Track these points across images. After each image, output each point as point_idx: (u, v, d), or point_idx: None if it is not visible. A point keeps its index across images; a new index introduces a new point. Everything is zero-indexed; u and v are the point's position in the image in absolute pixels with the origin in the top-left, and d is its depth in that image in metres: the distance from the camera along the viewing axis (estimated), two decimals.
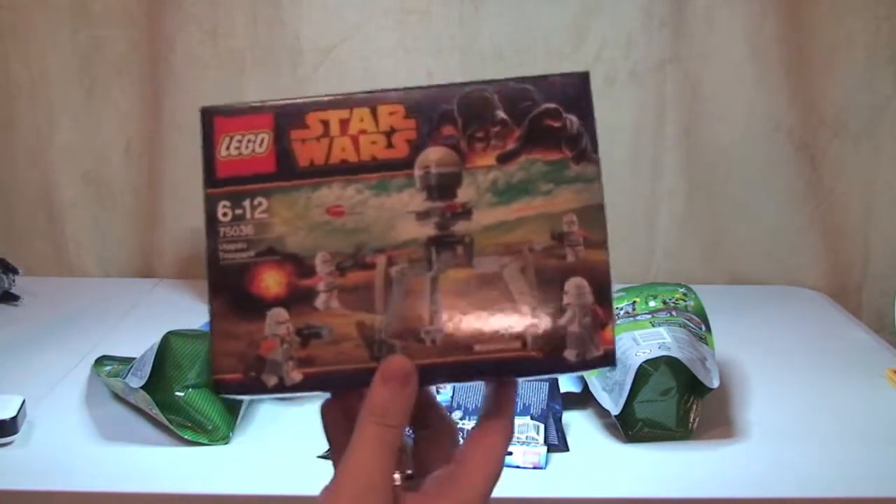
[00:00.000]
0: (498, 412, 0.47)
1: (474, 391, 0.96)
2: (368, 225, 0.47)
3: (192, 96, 1.43)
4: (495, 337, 0.46)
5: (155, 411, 0.94)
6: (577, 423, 0.98)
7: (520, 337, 0.46)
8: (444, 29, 1.42)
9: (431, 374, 0.46)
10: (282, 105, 0.48)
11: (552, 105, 0.48)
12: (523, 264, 0.47)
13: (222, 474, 0.90)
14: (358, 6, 1.42)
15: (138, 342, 1.03)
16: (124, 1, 1.42)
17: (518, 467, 0.89)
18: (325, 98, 0.48)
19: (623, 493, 0.87)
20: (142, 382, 0.93)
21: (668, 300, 1.08)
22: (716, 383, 0.95)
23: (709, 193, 1.47)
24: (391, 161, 0.47)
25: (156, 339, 0.99)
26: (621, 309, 1.09)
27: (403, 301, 0.47)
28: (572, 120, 0.48)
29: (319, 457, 0.89)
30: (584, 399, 1.01)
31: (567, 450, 0.93)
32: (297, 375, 0.47)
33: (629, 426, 0.95)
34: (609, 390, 0.97)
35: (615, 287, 1.19)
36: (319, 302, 0.47)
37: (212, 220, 0.48)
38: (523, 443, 0.91)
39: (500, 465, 0.46)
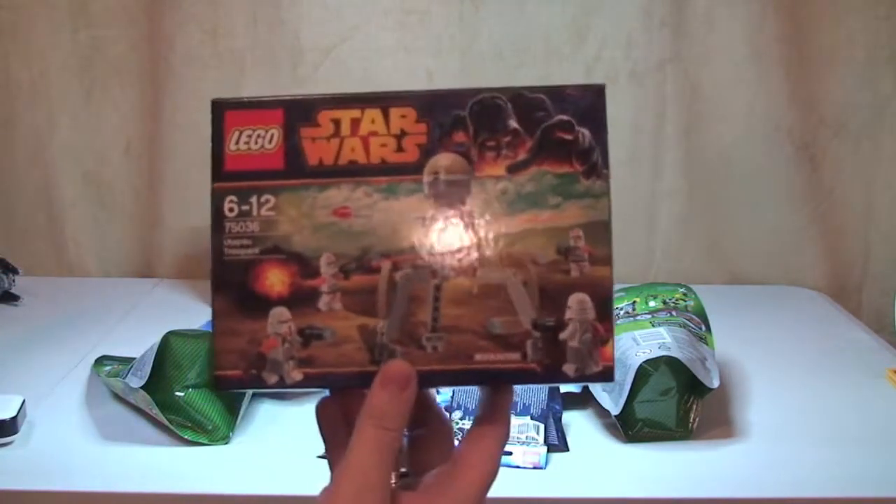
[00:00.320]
0: (495, 415, 0.47)
1: (474, 392, 0.96)
2: (375, 228, 0.47)
3: (192, 96, 1.43)
4: (495, 347, 0.46)
5: (155, 411, 0.94)
6: (577, 423, 0.98)
7: (519, 348, 0.46)
8: (444, 29, 1.42)
9: (430, 380, 0.47)
10: (293, 101, 0.48)
11: (565, 117, 0.48)
12: (527, 277, 0.47)
13: (222, 474, 0.90)
14: (358, 6, 1.42)
15: (138, 342, 1.03)
16: (124, 1, 1.42)
17: (518, 467, 0.89)
18: (337, 96, 0.48)
19: (623, 493, 0.87)
20: (142, 382, 0.93)
21: (668, 300, 1.08)
22: (716, 383, 0.95)
23: (709, 193, 1.47)
24: (401, 165, 0.47)
25: (156, 339, 0.99)
26: (621, 309, 1.09)
27: (406, 307, 0.47)
28: (584, 133, 0.48)
29: (319, 457, 0.89)
30: (584, 399, 1.01)
31: (567, 450, 0.93)
32: (297, 375, 0.47)
33: (629, 426, 0.95)
34: (609, 390, 0.97)
35: (615, 287, 1.19)
36: (322, 303, 0.47)
37: (218, 215, 0.48)
38: (523, 443, 0.91)
39: (496, 467, 0.46)
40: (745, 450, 0.94)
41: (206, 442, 0.94)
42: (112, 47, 1.44)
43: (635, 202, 1.47)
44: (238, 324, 0.47)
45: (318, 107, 0.48)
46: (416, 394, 0.46)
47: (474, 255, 0.47)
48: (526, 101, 0.48)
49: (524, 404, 0.95)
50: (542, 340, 0.46)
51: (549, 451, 0.91)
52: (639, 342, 0.98)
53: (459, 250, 0.47)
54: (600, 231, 0.48)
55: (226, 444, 0.94)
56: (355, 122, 0.47)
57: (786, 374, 1.13)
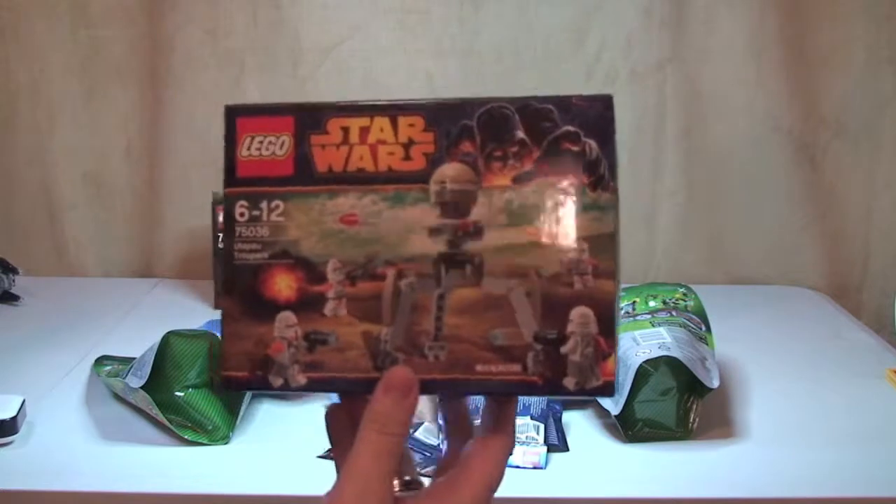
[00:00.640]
0: (499, 424, 0.48)
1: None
2: (381, 236, 0.47)
3: (192, 96, 1.43)
4: (496, 359, 0.46)
5: (155, 411, 0.94)
6: (577, 423, 0.98)
7: (520, 361, 0.46)
8: (444, 29, 1.42)
9: (432, 388, 0.47)
10: (303, 108, 0.48)
11: (572, 128, 0.48)
12: (530, 289, 0.46)
13: (222, 474, 0.90)
14: (358, 6, 1.42)
15: (138, 342, 1.03)
16: (124, 1, 1.42)
17: (518, 467, 0.89)
18: (347, 104, 0.48)
19: (623, 493, 0.87)
20: (142, 382, 0.93)
21: (668, 300, 1.08)
22: (716, 383, 0.95)
23: (709, 193, 1.47)
24: (407, 174, 0.48)
25: (156, 339, 0.99)
26: (621, 309, 1.09)
27: (410, 315, 0.47)
28: (591, 145, 0.48)
29: (319, 457, 0.89)
30: (584, 399, 1.01)
31: (567, 450, 0.93)
32: (301, 379, 0.48)
33: (629, 426, 0.95)
34: None
35: None
36: (328, 309, 0.47)
37: (229, 219, 0.48)
38: (523, 443, 0.91)
39: (500, 475, 0.47)
40: (745, 450, 0.94)
41: (206, 442, 0.94)
42: (112, 47, 1.44)
43: (635, 202, 1.47)
44: (246, 327, 0.48)
45: (327, 114, 0.48)
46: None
47: (478, 265, 0.47)
48: (533, 112, 0.47)
49: (524, 404, 0.95)
50: (543, 353, 0.46)
51: (549, 451, 0.91)
52: (639, 342, 0.98)
53: (464, 260, 0.47)
54: (606, 244, 0.47)
55: (226, 444, 0.94)
56: (364, 130, 0.48)
57: (786, 375, 1.12)
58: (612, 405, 0.95)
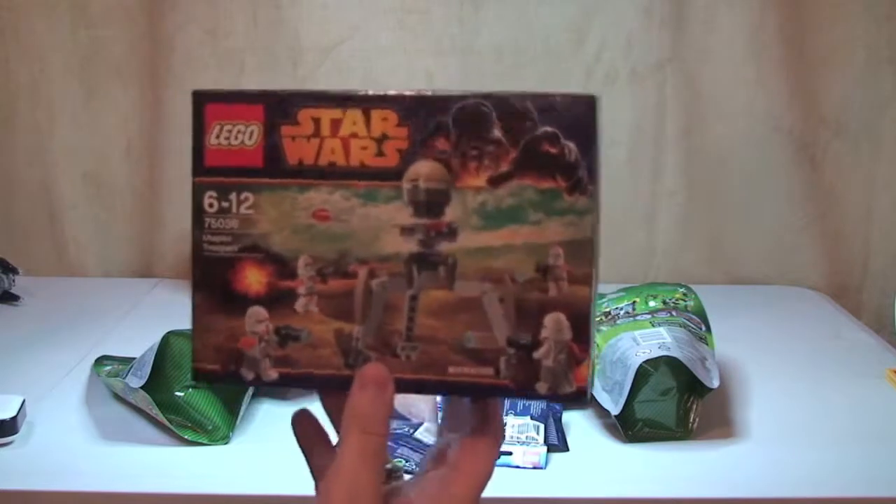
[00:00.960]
0: (486, 423, 0.47)
1: None
2: (353, 233, 0.46)
3: None
4: (469, 361, 0.46)
5: (155, 411, 0.94)
6: (577, 423, 0.98)
7: (493, 364, 0.46)
8: (444, 29, 1.42)
9: (404, 387, 0.46)
10: (274, 97, 0.47)
11: (551, 129, 0.45)
12: (504, 293, 0.46)
13: (222, 474, 0.90)
14: (358, 6, 1.42)
15: (138, 342, 1.03)
16: (124, 1, 1.42)
17: (518, 467, 0.89)
18: (317, 93, 0.47)
19: (623, 493, 0.87)
20: (142, 382, 0.93)
21: (668, 300, 1.08)
22: (716, 383, 0.95)
23: (709, 193, 1.47)
24: (380, 170, 0.46)
25: (156, 339, 0.99)
26: (621, 309, 1.09)
27: (382, 314, 0.46)
28: (570, 147, 0.45)
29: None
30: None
31: (567, 450, 0.93)
32: (273, 374, 0.47)
33: (629, 426, 0.95)
34: (609, 390, 0.97)
35: (615, 287, 1.19)
36: (299, 305, 0.47)
37: (198, 210, 0.47)
38: (523, 443, 0.91)
39: (490, 474, 0.47)
40: (745, 450, 0.94)
41: (206, 442, 0.94)
42: (112, 47, 1.44)
43: (635, 202, 1.47)
44: (217, 320, 0.47)
45: (298, 104, 0.47)
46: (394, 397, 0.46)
47: (452, 267, 0.46)
48: (512, 109, 0.45)
49: (524, 404, 0.95)
50: (515, 358, 0.46)
51: (549, 451, 0.91)
52: (639, 342, 0.98)
53: (437, 262, 0.46)
54: (582, 250, 0.45)
55: (226, 444, 0.94)
56: (336, 123, 0.46)
57: (786, 375, 1.12)
58: (612, 405, 0.95)
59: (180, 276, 1.49)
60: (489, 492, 0.46)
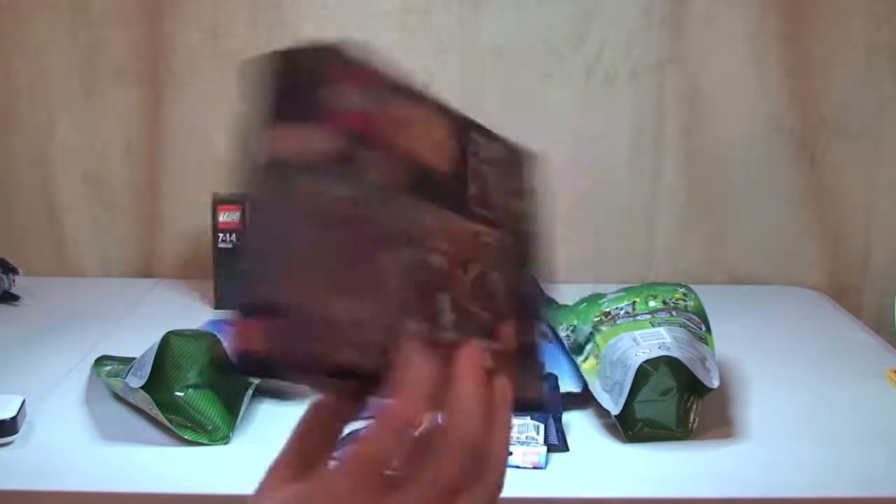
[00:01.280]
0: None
1: None
2: None
3: (192, 96, 1.43)
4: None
5: (155, 411, 0.94)
6: (577, 423, 0.98)
7: None
8: (444, 29, 1.42)
9: None
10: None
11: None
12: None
13: (222, 474, 0.90)
14: (358, 6, 1.42)
15: (138, 342, 1.03)
16: (124, 1, 1.42)
17: (518, 467, 0.89)
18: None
19: (623, 493, 0.87)
20: (142, 382, 0.93)
21: (668, 300, 1.08)
22: (716, 383, 0.95)
23: (709, 193, 1.47)
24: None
25: (156, 339, 0.99)
26: (621, 309, 1.09)
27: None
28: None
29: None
30: (584, 399, 1.01)
31: (567, 450, 0.93)
32: None
33: (629, 426, 0.95)
34: (609, 390, 0.97)
35: (615, 287, 1.19)
36: None
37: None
38: (523, 443, 0.91)
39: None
40: (745, 450, 0.94)
41: (206, 442, 0.94)
42: (112, 47, 1.44)
43: (635, 202, 1.47)
44: None
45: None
46: None
47: None
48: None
49: None
50: None
51: (549, 451, 0.91)
52: (639, 342, 0.98)
53: None
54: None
55: (226, 444, 0.94)
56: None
57: (786, 375, 1.12)
58: (612, 405, 0.95)
59: (180, 276, 1.49)
60: None
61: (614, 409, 0.94)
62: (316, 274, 0.42)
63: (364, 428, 0.43)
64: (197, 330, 1.07)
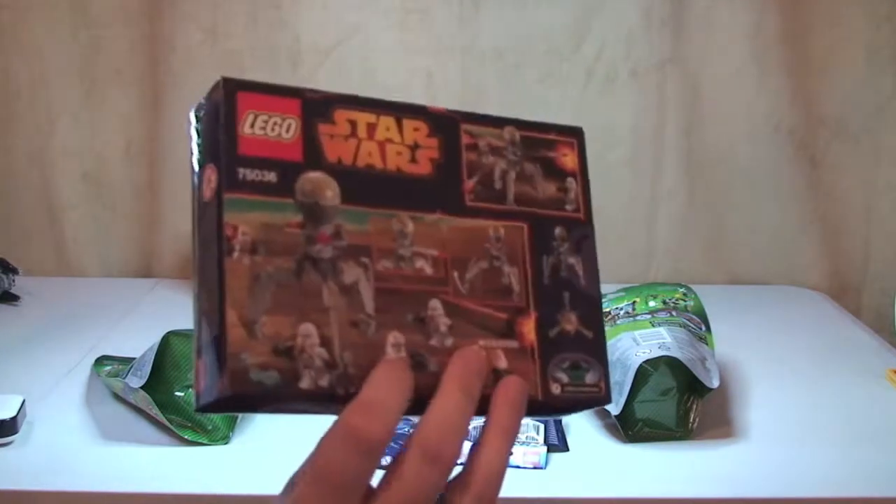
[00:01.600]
0: (496, 417, 0.45)
1: None
2: None
3: (192, 96, 1.42)
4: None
5: (155, 411, 0.94)
6: (577, 423, 0.98)
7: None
8: (444, 29, 1.42)
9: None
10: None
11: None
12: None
13: (222, 474, 0.90)
14: (358, 6, 1.42)
15: (138, 342, 1.03)
16: (124, 1, 1.42)
17: (518, 467, 0.89)
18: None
19: (623, 493, 0.87)
20: (142, 382, 0.93)
21: (668, 300, 1.08)
22: (716, 383, 0.95)
23: (709, 193, 1.47)
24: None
25: (156, 339, 0.99)
26: (621, 309, 1.09)
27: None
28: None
29: None
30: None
31: (567, 450, 0.93)
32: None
33: (629, 426, 0.95)
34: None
35: (615, 287, 1.19)
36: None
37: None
38: (523, 443, 0.91)
39: (504, 470, 0.44)
40: (745, 450, 0.94)
41: (206, 442, 0.94)
42: (112, 47, 1.44)
43: (635, 202, 1.47)
44: None
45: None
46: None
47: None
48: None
49: None
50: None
51: (549, 451, 0.91)
52: (639, 342, 0.98)
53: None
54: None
55: (226, 444, 0.94)
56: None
57: (786, 375, 1.13)
58: (612, 405, 0.95)
59: (180, 276, 1.49)
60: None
61: (614, 409, 0.95)
62: (264, 302, 0.42)
63: (319, 443, 0.41)
64: None
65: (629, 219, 1.47)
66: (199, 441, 0.93)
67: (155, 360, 0.95)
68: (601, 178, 1.52)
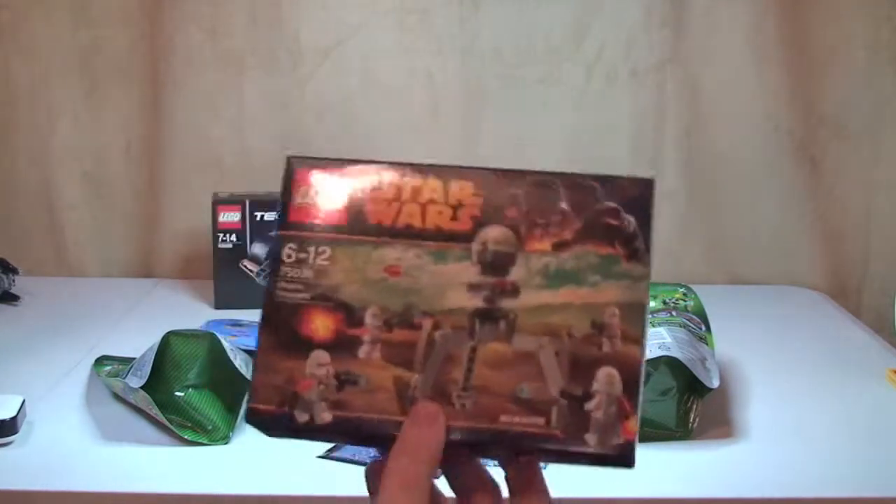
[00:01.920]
0: (532, 483, 0.48)
1: None
2: (421, 288, 0.49)
3: (192, 96, 1.43)
4: (521, 411, 0.47)
5: (155, 411, 0.94)
6: None
7: (545, 414, 0.47)
8: (444, 29, 1.42)
9: (456, 433, 0.47)
10: (361, 167, 0.51)
11: (613, 204, 0.51)
12: (559, 347, 0.48)
13: (222, 474, 0.90)
14: (358, 6, 1.42)
15: (138, 342, 1.03)
16: (124, 1, 1.42)
17: None
18: (403, 164, 0.50)
19: (623, 493, 0.87)
20: (142, 382, 0.93)
21: (668, 300, 1.08)
22: (716, 383, 0.95)
23: (709, 193, 1.47)
24: (453, 233, 0.49)
25: (156, 339, 0.99)
26: None
27: (441, 364, 0.47)
28: (630, 220, 0.51)
29: (319, 457, 0.89)
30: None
31: None
32: (327, 416, 0.48)
33: None
34: None
35: None
36: (362, 351, 0.48)
37: (276, 260, 0.50)
38: None
39: None
40: (745, 450, 0.94)
41: (206, 442, 0.94)
42: (112, 47, 1.44)
43: None
44: (279, 361, 0.49)
45: (384, 176, 0.50)
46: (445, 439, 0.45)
47: (512, 322, 0.48)
48: (578, 187, 0.50)
49: None
50: (567, 408, 0.47)
51: None
52: None
53: (498, 316, 0.48)
54: (636, 312, 0.49)
55: (226, 444, 0.94)
56: (416, 190, 0.50)
57: (786, 374, 1.12)
58: None
59: (180, 276, 1.49)
60: None
61: None
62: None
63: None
64: (197, 330, 1.07)
65: None
66: (199, 441, 0.93)
67: (155, 360, 0.95)
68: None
